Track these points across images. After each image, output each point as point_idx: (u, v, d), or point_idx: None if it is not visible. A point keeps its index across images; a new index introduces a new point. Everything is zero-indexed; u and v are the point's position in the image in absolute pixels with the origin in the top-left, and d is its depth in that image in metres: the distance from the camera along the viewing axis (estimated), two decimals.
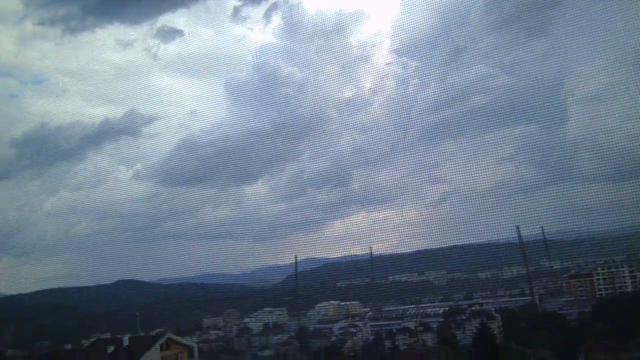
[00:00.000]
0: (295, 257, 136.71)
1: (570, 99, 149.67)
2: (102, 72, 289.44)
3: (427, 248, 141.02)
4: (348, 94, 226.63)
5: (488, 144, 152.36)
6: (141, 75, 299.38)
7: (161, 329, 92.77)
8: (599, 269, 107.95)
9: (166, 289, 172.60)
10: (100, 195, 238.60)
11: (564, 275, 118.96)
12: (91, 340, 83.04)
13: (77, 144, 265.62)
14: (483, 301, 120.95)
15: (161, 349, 61.39)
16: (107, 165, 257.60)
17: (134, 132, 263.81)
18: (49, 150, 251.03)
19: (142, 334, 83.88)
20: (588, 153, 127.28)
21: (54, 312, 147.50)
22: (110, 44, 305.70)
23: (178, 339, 67.97)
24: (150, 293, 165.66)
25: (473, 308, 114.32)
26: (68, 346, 76.28)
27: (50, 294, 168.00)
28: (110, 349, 61.00)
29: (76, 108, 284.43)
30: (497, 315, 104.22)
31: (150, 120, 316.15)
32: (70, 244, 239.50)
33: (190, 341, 78.32)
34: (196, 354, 67.19)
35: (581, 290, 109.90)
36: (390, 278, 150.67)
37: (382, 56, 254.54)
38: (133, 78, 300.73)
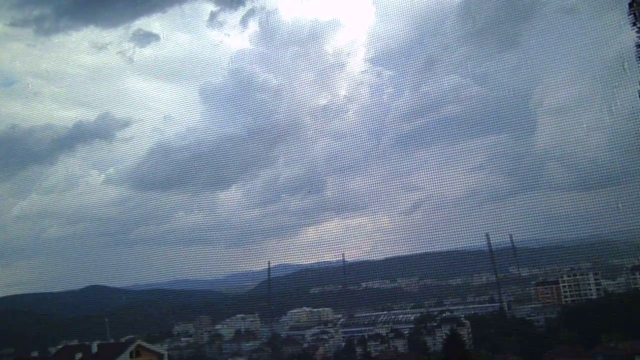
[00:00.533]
0: (269, 263, 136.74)
1: (540, 109, 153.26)
2: (76, 75, 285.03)
3: (399, 255, 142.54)
4: (323, 101, 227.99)
5: (460, 152, 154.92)
6: (115, 79, 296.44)
7: (131, 336, 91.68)
8: (565, 276, 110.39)
9: (137, 295, 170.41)
10: (71, 199, 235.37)
11: (532, 283, 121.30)
12: (58, 347, 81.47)
13: (49, 147, 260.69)
14: (453, 308, 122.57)
15: (131, 356, 60.69)
16: (79, 169, 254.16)
17: (107, 135, 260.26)
18: (20, 153, 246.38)
19: (112, 340, 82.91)
20: (556, 163, 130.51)
21: (21, 319, 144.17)
22: (84, 47, 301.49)
23: (148, 346, 67.19)
24: (120, 299, 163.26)
25: (443, 315, 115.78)
26: (34, 353, 74.85)
27: (17, 300, 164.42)
28: (78, 356, 60.10)
29: (48, 110, 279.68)
30: (466, 321, 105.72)
31: (124, 124, 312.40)
32: (39, 248, 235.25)
33: (161, 348, 77.47)
34: None
35: (548, 297, 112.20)
36: (363, 285, 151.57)
37: (357, 64, 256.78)
38: (107, 81, 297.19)
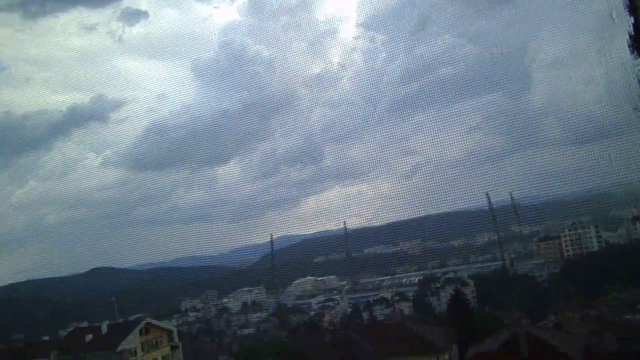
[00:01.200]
0: (271, 236, 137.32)
1: (534, 65, 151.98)
2: (66, 58, 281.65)
3: (401, 219, 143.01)
4: (317, 70, 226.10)
5: (456, 114, 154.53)
6: (106, 60, 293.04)
7: (139, 315, 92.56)
8: (567, 230, 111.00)
9: (143, 274, 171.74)
10: (70, 184, 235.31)
11: (534, 239, 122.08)
12: (68, 330, 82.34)
13: (44, 133, 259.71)
14: (456, 268, 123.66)
15: (140, 334, 61.39)
16: (75, 153, 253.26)
17: (102, 118, 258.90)
18: (15, 140, 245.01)
19: (121, 320, 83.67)
20: (552, 118, 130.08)
21: (30, 304, 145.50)
22: (73, 29, 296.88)
23: (157, 323, 67.96)
24: (126, 279, 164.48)
25: (447, 276, 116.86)
26: (45, 338, 75.61)
27: (24, 286, 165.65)
28: (89, 337, 60.77)
29: (41, 96, 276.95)
30: (470, 281, 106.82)
31: (118, 105, 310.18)
32: (42, 234, 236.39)
33: (170, 325, 78.35)
34: (176, 337, 67.34)
35: (550, 253, 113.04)
36: (366, 251, 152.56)
37: (349, 31, 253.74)
38: (98, 63, 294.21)
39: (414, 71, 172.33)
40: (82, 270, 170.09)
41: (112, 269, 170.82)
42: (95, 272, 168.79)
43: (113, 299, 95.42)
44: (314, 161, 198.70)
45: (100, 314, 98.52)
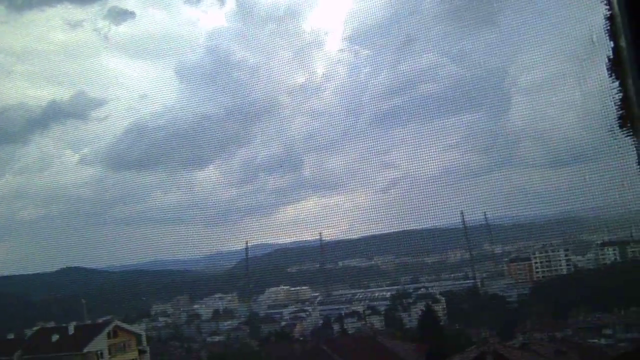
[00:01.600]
0: (247, 243, 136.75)
1: (514, 88, 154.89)
2: (49, 53, 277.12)
3: (376, 233, 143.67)
4: (301, 79, 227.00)
5: (436, 130, 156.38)
6: (90, 57, 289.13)
7: (108, 317, 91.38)
8: (537, 252, 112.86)
9: (114, 275, 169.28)
10: (46, 179, 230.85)
11: (505, 259, 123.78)
12: (34, 329, 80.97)
13: (22, 127, 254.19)
14: (429, 284, 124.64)
15: (108, 336, 60.89)
16: (53, 149, 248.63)
17: (82, 115, 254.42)
18: None
19: (89, 322, 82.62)
20: (529, 141, 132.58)
21: None
22: (58, 23, 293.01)
23: (126, 326, 67.48)
24: (97, 280, 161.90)
25: (419, 291, 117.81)
26: (10, 336, 74.26)
27: None
28: (55, 337, 60.04)
29: (20, 89, 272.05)
30: (441, 297, 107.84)
31: (99, 103, 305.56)
32: (14, 230, 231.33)
33: (139, 328, 77.65)
34: (144, 341, 66.86)
35: (520, 273, 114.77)
36: (340, 263, 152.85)
37: (335, 43, 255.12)
38: (81, 59, 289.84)
39: (396, 87, 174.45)
40: (52, 269, 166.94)
41: (84, 268, 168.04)
42: (66, 271, 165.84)
43: (83, 300, 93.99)
44: (293, 170, 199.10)
45: (68, 314, 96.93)
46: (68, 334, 60.29)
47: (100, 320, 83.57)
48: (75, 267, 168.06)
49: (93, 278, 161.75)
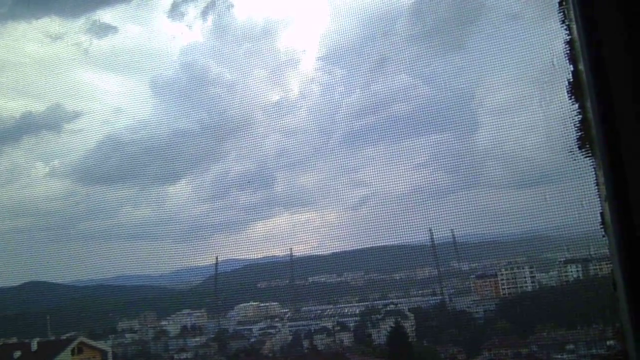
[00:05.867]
0: (216, 258, 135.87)
1: (481, 109, 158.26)
2: (25, 64, 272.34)
3: (346, 250, 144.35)
4: (275, 97, 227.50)
5: (405, 150, 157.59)
6: (67, 70, 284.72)
7: (73, 333, 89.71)
8: (503, 269, 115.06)
9: (80, 291, 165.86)
10: (14, 192, 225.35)
11: (471, 276, 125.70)
12: None
13: None
14: (397, 301, 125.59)
15: (72, 353, 59.96)
16: (23, 161, 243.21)
17: (56, 127, 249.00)
18: None
19: (53, 338, 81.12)
20: (495, 161, 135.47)
21: None
22: (38, 36, 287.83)
23: (91, 342, 66.51)
24: (62, 295, 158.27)
25: (388, 308, 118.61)
26: None
27: None
28: (17, 354, 58.84)
29: None
30: (410, 314, 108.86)
31: (74, 116, 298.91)
32: None
33: (104, 345, 76.47)
34: (110, 358, 65.97)
35: (487, 290, 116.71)
36: (310, 279, 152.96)
37: (309, 62, 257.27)
38: (59, 72, 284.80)
39: (368, 106, 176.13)
40: (15, 283, 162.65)
41: (48, 283, 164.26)
42: (31, 285, 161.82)
43: (48, 316, 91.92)
44: (264, 186, 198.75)
45: (31, 330, 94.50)
46: (31, 351, 59.13)
47: (64, 337, 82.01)
48: (39, 281, 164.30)
49: (58, 293, 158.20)
